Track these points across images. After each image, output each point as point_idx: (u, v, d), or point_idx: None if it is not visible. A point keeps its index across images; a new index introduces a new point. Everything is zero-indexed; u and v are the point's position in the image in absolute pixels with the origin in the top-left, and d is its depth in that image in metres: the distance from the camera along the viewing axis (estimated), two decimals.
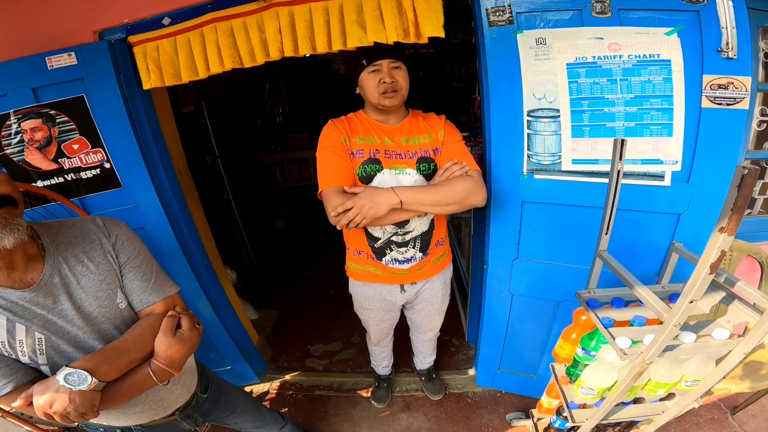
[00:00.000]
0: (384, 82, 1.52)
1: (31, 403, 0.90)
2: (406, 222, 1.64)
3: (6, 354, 0.92)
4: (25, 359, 0.95)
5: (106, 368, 0.96)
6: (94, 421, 1.10)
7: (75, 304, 1.01)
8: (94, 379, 0.91)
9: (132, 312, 1.11)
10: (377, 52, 1.56)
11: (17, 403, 0.91)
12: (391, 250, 1.70)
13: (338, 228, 1.50)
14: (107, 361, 0.97)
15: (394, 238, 1.67)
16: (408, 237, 1.68)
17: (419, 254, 1.73)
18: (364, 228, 1.67)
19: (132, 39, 1.81)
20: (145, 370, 1.02)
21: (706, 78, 1.48)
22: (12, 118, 1.81)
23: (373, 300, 1.91)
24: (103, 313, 1.04)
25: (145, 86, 1.85)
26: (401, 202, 1.45)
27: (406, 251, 1.70)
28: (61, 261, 1.01)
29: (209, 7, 1.74)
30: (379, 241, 1.68)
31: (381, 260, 1.73)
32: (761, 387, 1.93)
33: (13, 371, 0.92)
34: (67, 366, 0.91)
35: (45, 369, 0.97)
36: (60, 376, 0.89)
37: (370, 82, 1.55)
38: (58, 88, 1.80)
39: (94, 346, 1.03)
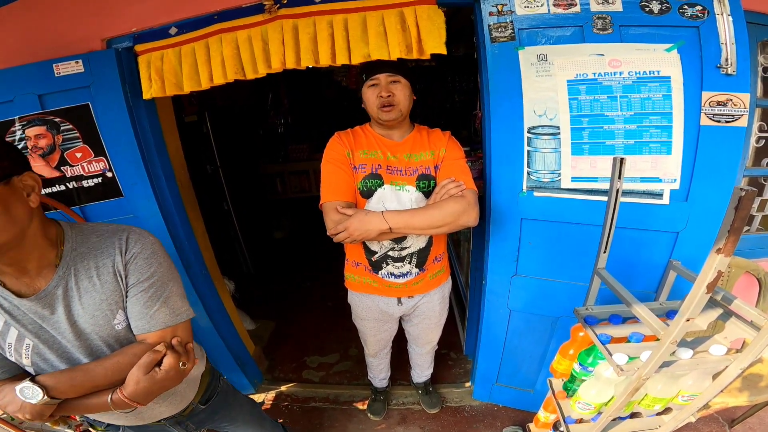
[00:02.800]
0: (381, 96, 1.55)
1: None
2: (403, 238, 1.65)
3: None
4: (12, 358, 0.98)
5: (66, 388, 0.97)
6: (89, 416, 1.18)
7: (70, 319, 1.00)
8: (45, 397, 0.93)
9: (129, 332, 1.07)
10: (375, 66, 1.58)
11: None
12: (387, 264, 1.71)
13: (334, 241, 1.53)
14: (70, 382, 0.98)
15: (390, 253, 1.68)
16: (404, 253, 1.68)
17: (415, 270, 1.73)
18: (362, 241, 1.69)
19: (138, 48, 1.84)
20: (105, 397, 1.00)
21: (705, 95, 1.50)
22: (17, 124, 1.82)
23: (371, 311, 1.91)
24: (95, 330, 1.02)
25: (146, 96, 1.86)
26: (390, 228, 1.47)
27: (402, 266, 1.71)
28: (71, 273, 1.00)
29: (215, 18, 1.76)
30: (376, 255, 1.69)
31: (377, 273, 1.74)
32: (759, 400, 1.93)
33: None
34: (28, 380, 0.94)
35: (29, 369, 1.00)
36: (18, 386, 0.92)
37: (370, 96, 1.58)
38: (64, 96, 1.81)
39: (80, 360, 1.03)
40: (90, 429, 1.62)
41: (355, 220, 1.47)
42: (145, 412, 1.21)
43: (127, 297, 1.05)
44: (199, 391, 1.37)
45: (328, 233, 1.53)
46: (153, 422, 1.27)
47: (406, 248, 1.67)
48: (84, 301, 1.01)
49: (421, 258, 1.72)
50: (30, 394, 0.92)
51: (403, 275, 1.73)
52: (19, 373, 1.00)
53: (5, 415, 0.99)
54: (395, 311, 1.89)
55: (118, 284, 1.04)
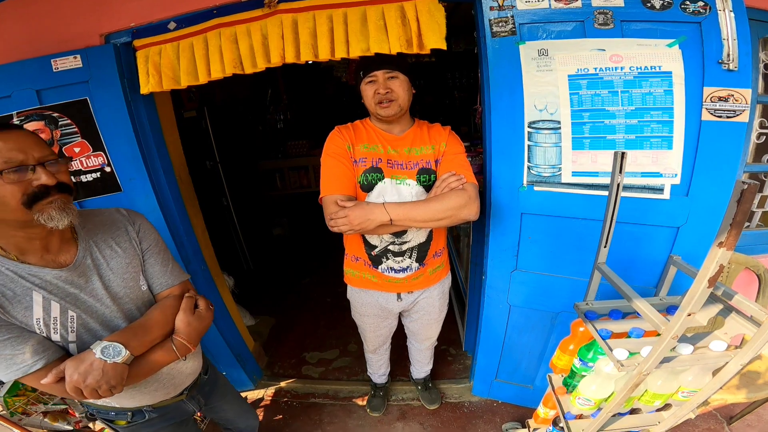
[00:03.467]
0: (378, 93, 1.55)
1: (60, 380, 0.96)
2: (404, 232, 1.65)
3: (38, 332, 0.98)
4: (56, 337, 1.01)
5: (135, 343, 1.06)
6: (110, 403, 1.23)
7: (105, 285, 1.10)
8: (127, 352, 1.01)
9: (150, 294, 1.22)
10: (373, 62, 1.58)
11: (47, 380, 0.95)
12: (387, 259, 1.71)
13: (333, 230, 1.53)
14: (136, 337, 1.07)
15: (390, 248, 1.68)
16: (404, 247, 1.68)
17: (415, 264, 1.73)
18: (362, 235, 1.69)
19: (137, 43, 1.83)
20: (168, 345, 1.13)
21: (707, 90, 1.50)
22: (15, 119, 1.82)
23: (370, 306, 1.91)
24: (128, 293, 1.14)
25: (143, 90, 1.85)
26: (391, 219, 1.47)
27: (402, 261, 1.71)
28: (92, 244, 1.10)
29: (214, 12, 1.76)
30: (376, 249, 1.69)
31: (377, 268, 1.74)
32: (758, 397, 1.93)
33: (45, 348, 0.98)
34: (100, 340, 1.01)
35: (72, 347, 1.04)
36: (96, 349, 0.98)
37: (368, 92, 1.58)
38: (62, 91, 1.81)
39: (120, 325, 1.12)
40: (89, 426, 1.63)
41: (356, 209, 1.47)
42: (178, 376, 1.31)
43: (144, 260, 1.21)
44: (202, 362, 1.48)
45: (327, 223, 1.53)
46: (174, 397, 1.35)
47: (406, 242, 1.67)
48: (112, 266, 1.12)
49: (422, 252, 1.72)
50: (112, 352, 0.99)
51: (403, 270, 1.73)
52: (63, 354, 1.02)
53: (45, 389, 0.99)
54: (395, 307, 1.89)
55: (135, 250, 1.18)
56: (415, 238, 1.68)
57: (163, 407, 1.33)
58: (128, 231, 1.18)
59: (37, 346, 0.96)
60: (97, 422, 1.59)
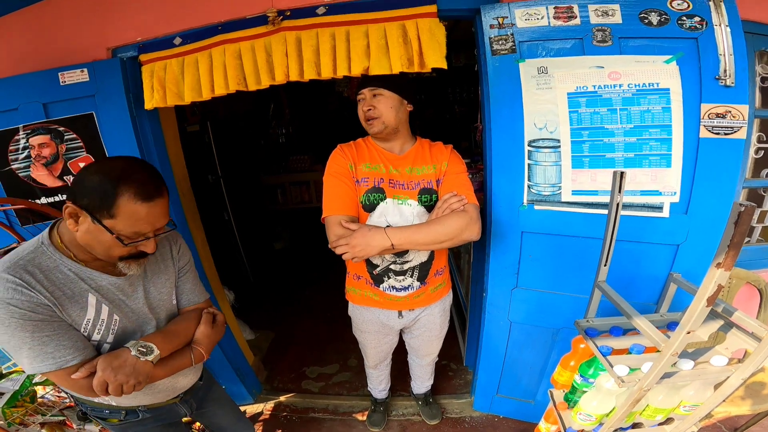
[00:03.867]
0: (364, 110, 1.58)
1: (91, 374, 1.02)
2: (405, 252, 1.65)
3: (83, 331, 1.06)
4: (96, 336, 1.09)
5: (164, 346, 1.15)
6: (108, 401, 1.27)
7: (146, 295, 1.20)
8: (158, 351, 1.11)
9: (176, 307, 1.33)
10: (363, 81, 1.61)
11: (79, 374, 1.02)
12: (389, 278, 1.71)
13: (337, 252, 1.53)
14: (165, 340, 1.17)
15: (392, 267, 1.68)
16: (406, 266, 1.68)
17: (417, 283, 1.73)
18: None
19: (143, 58, 1.85)
20: (187, 352, 1.24)
21: (704, 107, 1.51)
22: (21, 133, 1.83)
23: (371, 323, 1.90)
24: (161, 305, 1.25)
25: (147, 106, 1.87)
26: (393, 245, 1.48)
27: (403, 280, 1.71)
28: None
29: (219, 28, 1.79)
30: (378, 269, 1.69)
31: (379, 286, 1.74)
32: (762, 409, 1.92)
33: (85, 346, 1.05)
34: (135, 341, 1.10)
35: (106, 347, 1.12)
36: (132, 347, 1.07)
37: (359, 110, 1.62)
38: (69, 105, 1.83)
39: (150, 331, 1.22)
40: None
41: (358, 236, 1.47)
42: (180, 380, 1.38)
43: (179, 277, 1.32)
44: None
45: (330, 245, 1.53)
46: (169, 399, 1.40)
47: (407, 261, 1.67)
48: (154, 280, 1.23)
49: (423, 271, 1.72)
50: (146, 350, 1.09)
51: (405, 288, 1.73)
52: (96, 354, 1.09)
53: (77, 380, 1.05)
54: (396, 324, 1.89)
55: (173, 267, 1.30)
56: (416, 257, 1.68)
57: (157, 408, 1.38)
58: (171, 249, 1.30)
59: (79, 343, 1.03)
60: (89, 424, 1.65)
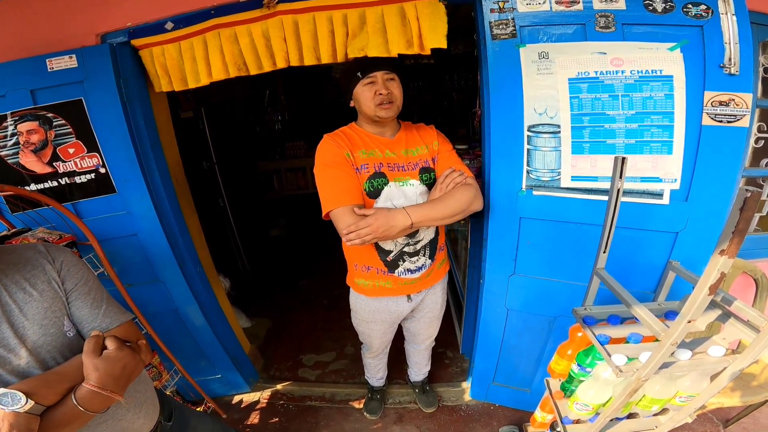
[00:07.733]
0: (380, 94, 1.52)
1: None
2: (416, 232, 1.65)
3: None
4: None
5: (45, 391, 0.89)
6: None
7: (17, 333, 0.93)
8: (29, 401, 0.85)
9: (82, 341, 1.01)
10: (372, 63, 1.56)
11: None
12: (404, 261, 1.70)
13: (349, 245, 1.50)
14: (47, 385, 0.90)
15: (406, 249, 1.68)
16: (419, 246, 1.69)
17: (429, 261, 1.75)
18: (375, 243, 1.66)
19: (137, 43, 1.81)
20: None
21: (708, 94, 1.49)
22: (9, 119, 1.79)
23: (379, 313, 1.89)
24: (49, 341, 0.97)
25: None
26: (412, 223, 1.48)
27: (417, 260, 1.71)
28: (1, 288, 0.94)
29: (212, 12, 1.74)
30: (391, 254, 1.67)
31: (393, 272, 1.72)
32: (754, 400, 1.94)
33: None
34: (2, 388, 0.85)
35: None
36: None
37: (366, 94, 1.55)
38: (57, 91, 1.79)
39: (35, 375, 0.96)
40: None
41: (380, 217, 1.44)
42: (129, 427, 1.13)
43: (69, 303, 1.03)
44: (159, 408, 1.29)
45: (344, 235, 1.47)
46: None
47: (420, 241, 1.68)
48: (26, 312, 0.95)
49: (432, 248, 1.75)
50: (10, 400, 0.83)
51: (419, 269, 1.73)
52: None
53: None
54: (405, 309, 1.89)
55: (56, 292, 1.01)
56: (426, 235, 1.69)
57: None
58: (46, 270, 1.00)
59: None
60: None
